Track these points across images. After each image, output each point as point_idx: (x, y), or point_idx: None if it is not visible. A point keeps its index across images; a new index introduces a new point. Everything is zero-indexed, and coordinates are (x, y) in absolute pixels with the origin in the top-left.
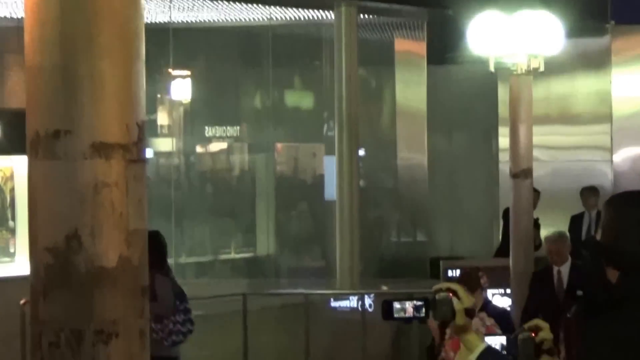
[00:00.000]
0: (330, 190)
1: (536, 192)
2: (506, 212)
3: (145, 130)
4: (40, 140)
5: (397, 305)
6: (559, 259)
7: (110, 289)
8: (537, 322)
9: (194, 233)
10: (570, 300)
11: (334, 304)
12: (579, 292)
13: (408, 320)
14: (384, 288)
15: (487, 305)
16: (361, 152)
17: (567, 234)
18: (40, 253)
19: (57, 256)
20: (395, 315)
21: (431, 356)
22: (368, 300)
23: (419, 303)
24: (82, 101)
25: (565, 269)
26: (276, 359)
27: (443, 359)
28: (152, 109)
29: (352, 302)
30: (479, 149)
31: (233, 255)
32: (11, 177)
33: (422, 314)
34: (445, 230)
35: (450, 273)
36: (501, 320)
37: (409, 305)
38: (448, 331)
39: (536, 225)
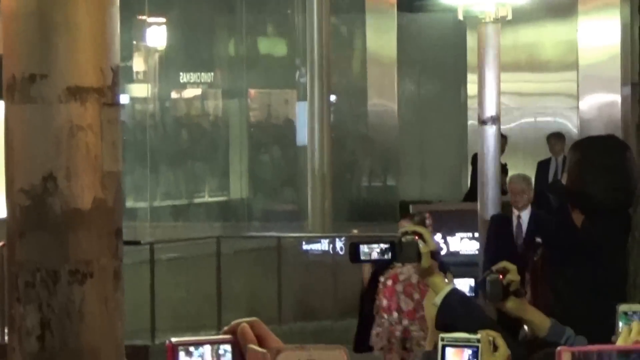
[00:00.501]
0: (302, 136)
1: (504, 138)
2: (475, 158)
3: (120, 75)
4: (17, 84)
5: (364, 248)
6: (521, 200)
7: (85, 230)
8: (505, 264)
9: (169, 177)
10: (529, 247)
11: (305, 247)
12: (538, 240)
13: (374, 262)
14: (355, 231)
15: None
16: (332, 98)
17: (532, 179)
18: (16, 195)
19: (33, 198)
20: (362, 257)
21: (363, 300)
22: (339, 244)
23: (385, 246)
24: (57, 46)
25: (525, 216)
26: (249, 301)
27: (377, 305)
28: (127, 55)
29: (324, 245)
30: (448, 95)
31: (207, 199)
32: None
33: (389, 257)
34: (415, 175)
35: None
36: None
37: (375, 248)
38: (382, 279)
39: (504, 170)
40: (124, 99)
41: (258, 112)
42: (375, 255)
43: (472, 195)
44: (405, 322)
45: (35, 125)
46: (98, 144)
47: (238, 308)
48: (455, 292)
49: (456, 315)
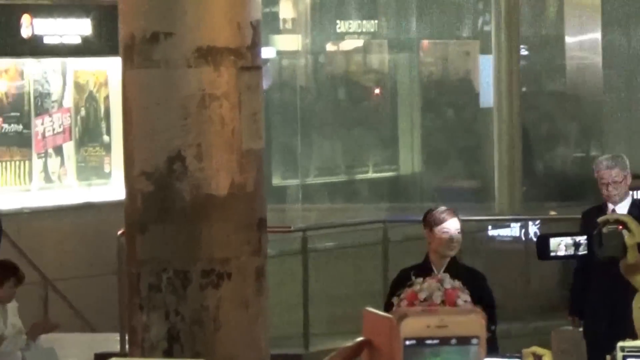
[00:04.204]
0: (487, 96)
1: None
2: None
3: (261, 31)
4: (136, 45)
5: (555, 241)
6: (614, 191)
7: (221, 221)
8: None
9: (324, 148)
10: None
11: (492, 232)
12: None
13: (567, 259)
14: (552, 213)
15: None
16: (523, 51)
17: (624, 157)
18: (136, 179)
19: (157, 183)
20: (552, 253)
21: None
22: (533, 228)
23: (581, 238)
24: None
25: (622, 209)
26: None
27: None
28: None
29: (514, 230)
30: None
31: (371, 175)
32: (105, 83)
33: (584, 251)
34: (623, 144)
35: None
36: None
37: (569, 242)
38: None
39: None
40: (268, 52)
41: (432, 68)
42: (568, 251)
43: None
44: None
45: (158, 94)
46: (235, 116)
47: None
48: None
49: None
